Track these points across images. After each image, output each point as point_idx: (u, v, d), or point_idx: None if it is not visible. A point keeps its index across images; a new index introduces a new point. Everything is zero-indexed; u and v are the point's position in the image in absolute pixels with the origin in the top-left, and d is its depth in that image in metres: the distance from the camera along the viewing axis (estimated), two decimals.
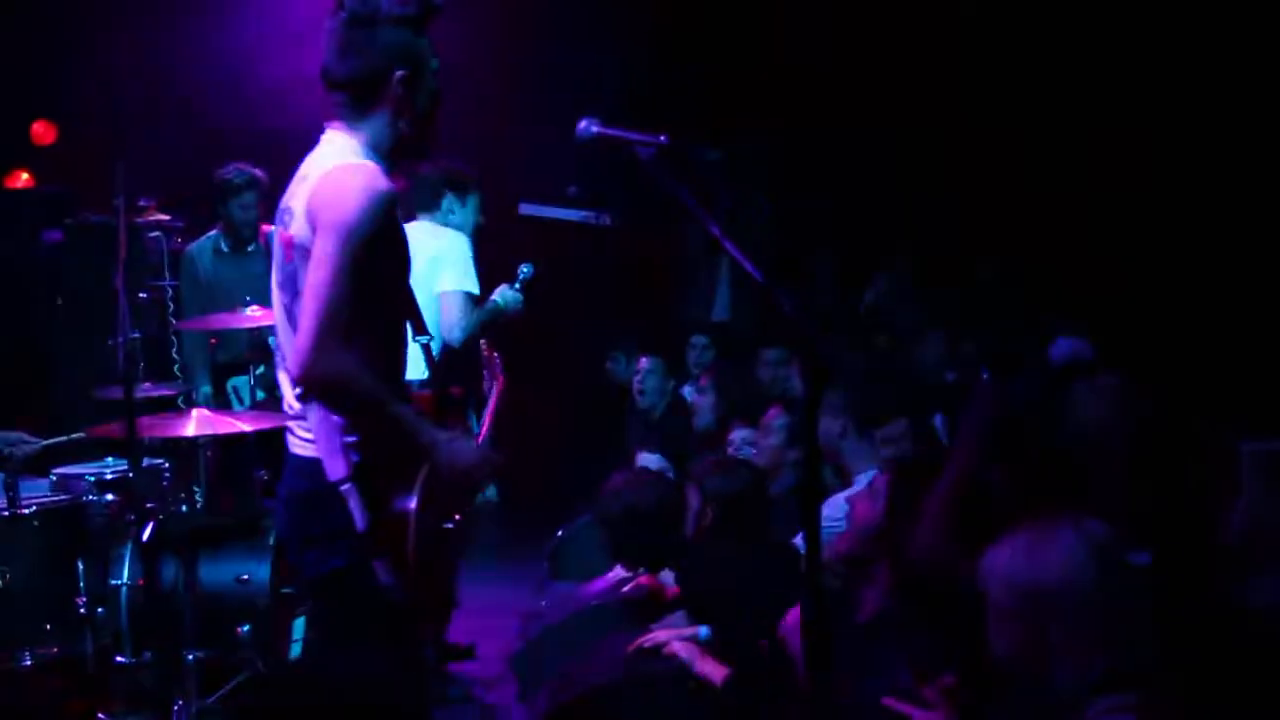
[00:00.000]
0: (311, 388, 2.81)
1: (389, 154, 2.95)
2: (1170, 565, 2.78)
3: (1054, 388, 3.71)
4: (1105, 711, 2.30)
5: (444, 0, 2.94)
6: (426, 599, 3.01)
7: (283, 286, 2.93)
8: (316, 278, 2.75)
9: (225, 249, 5.89)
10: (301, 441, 2.92)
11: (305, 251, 2.81)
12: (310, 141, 3.01)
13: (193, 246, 5.96)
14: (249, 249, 5.86)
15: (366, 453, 2.84)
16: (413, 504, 2.82)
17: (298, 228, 2.85)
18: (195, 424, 4.45)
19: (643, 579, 4.65)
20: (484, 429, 3.55)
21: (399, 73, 2.91)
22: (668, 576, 4.42)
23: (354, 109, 2.94)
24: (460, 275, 4.90)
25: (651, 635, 4.17)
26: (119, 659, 4.48)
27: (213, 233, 5.94)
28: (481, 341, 4.92)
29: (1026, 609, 2.36)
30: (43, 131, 7.31)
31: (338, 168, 2.85)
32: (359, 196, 2.78)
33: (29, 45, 6.81)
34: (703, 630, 4.15)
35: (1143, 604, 2.44)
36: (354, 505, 2.81)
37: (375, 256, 2.80)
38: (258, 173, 5.74)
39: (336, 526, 2.83)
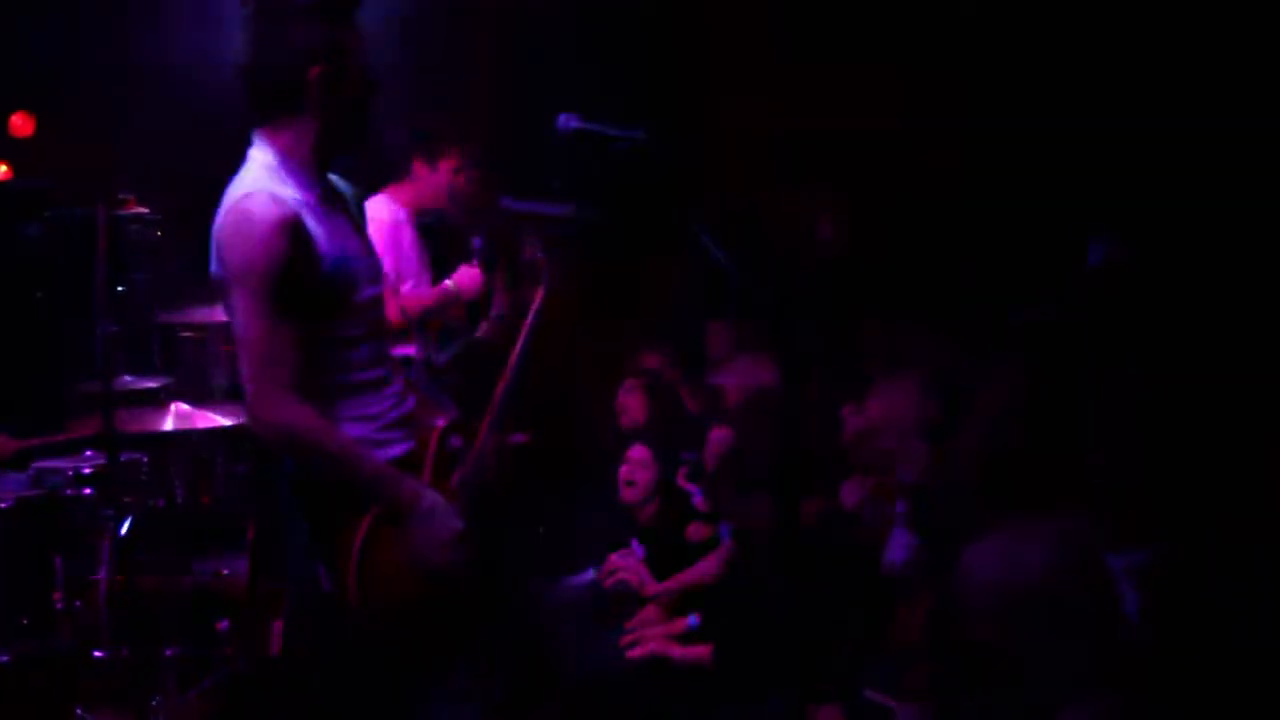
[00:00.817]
0: (263, 439, 2.66)
1: (315, 158, 2.72)
2: (1186, 563, 2.72)
3: (1087, 301, 3.51)
4: (1084, 713, 2.30)
5: None
6: (400, 636, 2.77)
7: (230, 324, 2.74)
8: (242, 330, 2.59)
9: None
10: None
11: (223, 287, 2.64)
12: None
13: None
14: None
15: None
16: (366, 518, 2.68)
17: (214, 261, 2.67)
18: (174, 418, 4.45)
19: (628, 574, 4.65)
20: (517, 350, 3.26)
21: (315, 70, 2.63)
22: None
23: (270, 111, 2.69)
24: None
25: (640, 633, 4.18)
26: (97, 654, 4.45)
27: None
28: (527, 244, 4.60)
29: (1004, 610, 2.35)
30: (21, 123, 7.24)
31: (232, 205, 2.62)
32: (255, 234, 2.56)
33: (6, 35, 6.74)
34: (692, 619, 4.15)
35: (1123, 605, 2.44)
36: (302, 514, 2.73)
37: (295, 284, 2.59)
38: None
39: (303, 539, 2.76)
